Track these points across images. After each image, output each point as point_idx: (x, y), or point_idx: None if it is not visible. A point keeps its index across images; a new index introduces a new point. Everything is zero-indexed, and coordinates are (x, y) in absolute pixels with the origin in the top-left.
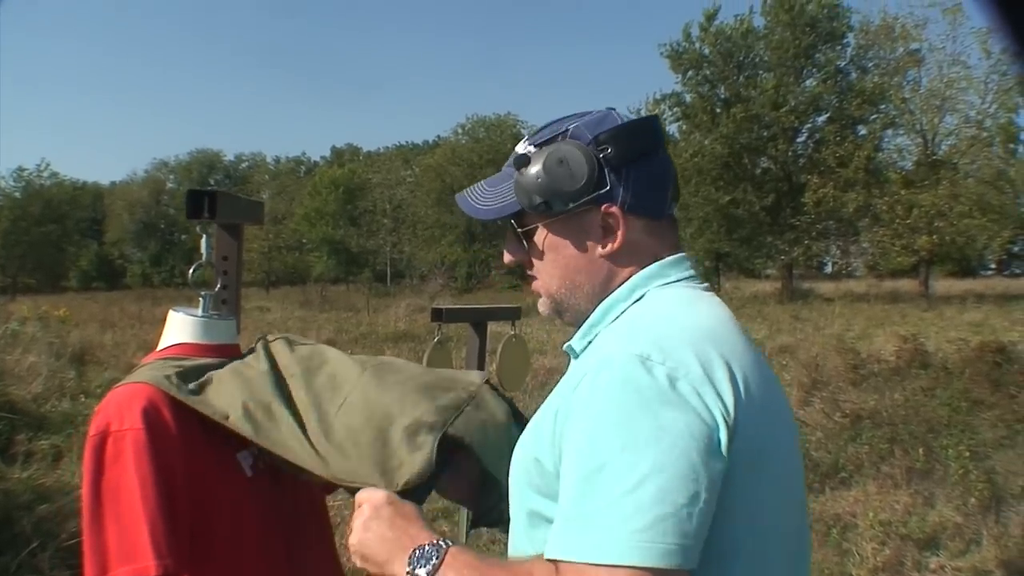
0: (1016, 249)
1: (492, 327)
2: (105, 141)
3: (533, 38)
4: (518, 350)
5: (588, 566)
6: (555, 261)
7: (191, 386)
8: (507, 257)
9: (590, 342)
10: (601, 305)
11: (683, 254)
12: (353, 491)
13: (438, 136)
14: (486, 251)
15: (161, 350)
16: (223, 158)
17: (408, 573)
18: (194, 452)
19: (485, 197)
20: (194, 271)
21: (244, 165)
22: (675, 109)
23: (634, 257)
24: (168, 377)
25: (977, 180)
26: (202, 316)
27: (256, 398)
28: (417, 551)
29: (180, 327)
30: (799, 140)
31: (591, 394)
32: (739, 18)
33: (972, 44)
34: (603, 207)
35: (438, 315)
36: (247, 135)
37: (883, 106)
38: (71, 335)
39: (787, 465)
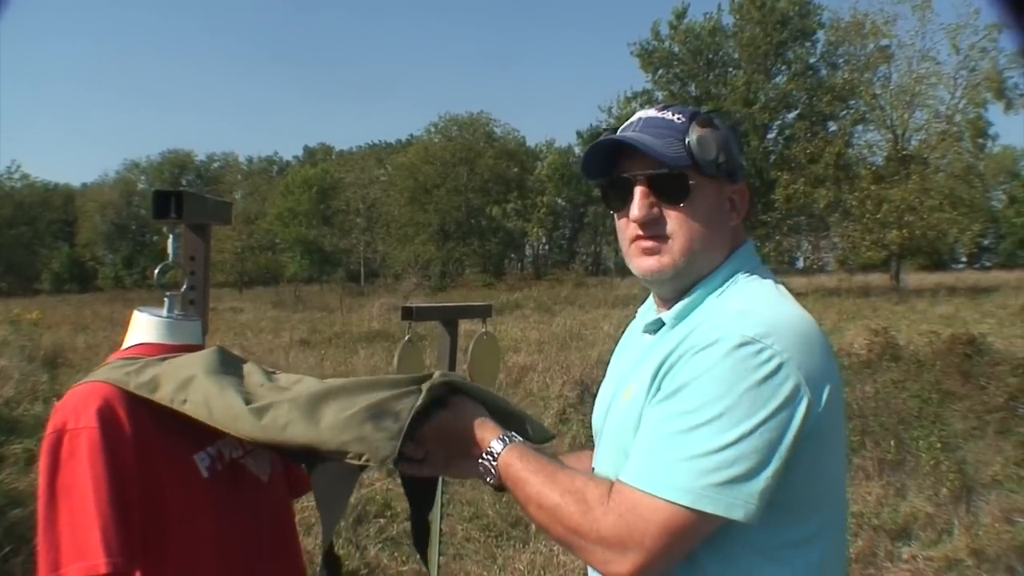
0: (986, 242)
1: (465, 325)
2: (76, 142)
3: (506, 37)
4: (489, 348)
5: (665, 502)
6: (701, 217)
7: (145, 379)
8: (641, 212)
9: (684, 317)
10: (700, 288)
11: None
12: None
13: (411, 135)
14: (460, 249)
15: (124, 349)
16: (195, 158)
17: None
18: (148, 452)
19: (656, 143)
20: (160, 272)
21: (216, 165)
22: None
23: (736, 238)
24: (127, 374)
25: (947, 174)
26: (166, 317)
27: (209, 382)
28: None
29: (144, 327)
30: (769, 137)
31: (705, 362)
32: (707, 16)
33: (941, 40)
34: (737, 185)
35: (408, 314)
36: (219, 135)
37: (853, 102)
38: (43, 338)
39: (843, 435)
